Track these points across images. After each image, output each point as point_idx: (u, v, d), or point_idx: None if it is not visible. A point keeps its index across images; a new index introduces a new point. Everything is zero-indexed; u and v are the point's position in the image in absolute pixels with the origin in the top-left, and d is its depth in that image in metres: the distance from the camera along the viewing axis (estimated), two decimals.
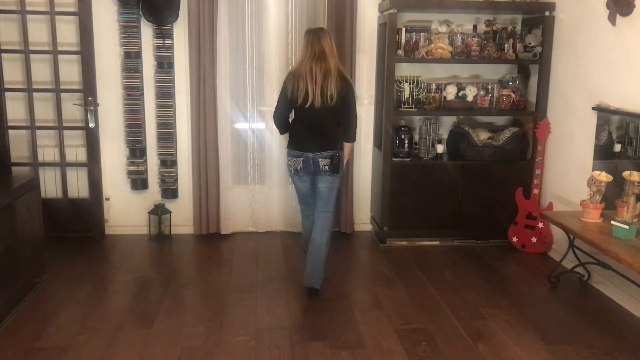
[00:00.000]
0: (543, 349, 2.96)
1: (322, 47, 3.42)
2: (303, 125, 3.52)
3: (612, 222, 3.27)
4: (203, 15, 4.30)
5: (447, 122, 4.75)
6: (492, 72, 4.69)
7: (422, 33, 4.44)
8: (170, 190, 4.64)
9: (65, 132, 4.40)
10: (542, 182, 4.41)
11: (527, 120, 4.58)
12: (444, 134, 4.73)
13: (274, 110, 3.62)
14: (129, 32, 4.34)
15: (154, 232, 4.61)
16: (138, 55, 4.40)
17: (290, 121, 3.64)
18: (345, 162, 3.67)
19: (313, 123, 3.48)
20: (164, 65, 4.43)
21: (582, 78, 3.94)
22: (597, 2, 3.70)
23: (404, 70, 4.50)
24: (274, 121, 3.66)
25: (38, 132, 4.36)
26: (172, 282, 3.78)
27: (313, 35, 3.48)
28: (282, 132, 3.72)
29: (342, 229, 4.79)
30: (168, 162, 4.59)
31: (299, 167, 3.52)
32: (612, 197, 3.47)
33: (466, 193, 4.50)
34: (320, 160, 3.48)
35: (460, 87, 4.60)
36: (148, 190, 4.67)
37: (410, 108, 4.45)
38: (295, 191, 3.78)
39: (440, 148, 4.59)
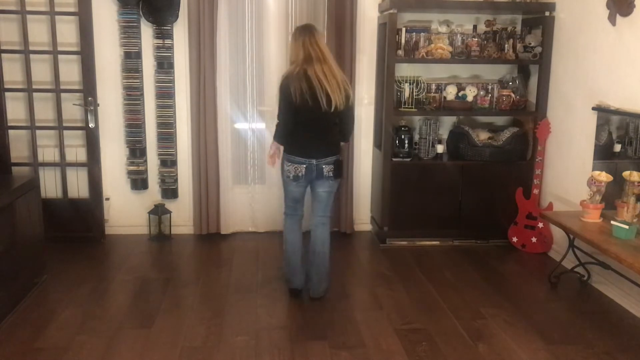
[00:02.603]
0: (543, 349, 2.96)
1: (320, 48, 3.26)
2: (305, 130, 3.35)
3: (612, 222, 3.27)
4: (203, 15, 4.30)
5: (447, 122, 4.75)
6: (492, 72, 4.70)
7: (422, 33, 4.44)
8: (170, 190, 4.64)
9: (65, 132, 4.40)
10: (542, 182, 4.41)
11: (527, 120, 4.58)
12: (444, 134, 4.72)
13: (278, 123, 3.39)
14: (129, 32, 4.34)
15: (154, 232, 4.61)
16: (138, 55, 4.39)
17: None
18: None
19: (317, 128, 3.35)
20: (164, 65, 4.43)
21: (582, 78, 3.94)
22: (597, 2, 3.70)
23: (404, 70, 4.50)
24: (280, 133, 3.39)
25: (38, 132, 4.36)
26: (172, 282, 3.78)
27: (309, 36, 3.28)
28: (284, 143, 3.43)
29: (342, 229, 4.79)
30: (168, 162, 4.59)
31: (300, 174, 3.36)
32: (612, 197, 3.47)
33: (466, 193, 4.50)
34: (324, 166, 3.37)
35: (460, 87, 4.60)
36: (148, 190, 4.67)
37: (410, 108, 4.45)
38: (285, 196, 3.53)
39: (440, 148, 4.59)
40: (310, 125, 3.34)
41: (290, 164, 3.38)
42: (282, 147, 3.47)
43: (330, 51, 3.39)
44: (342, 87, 3.29)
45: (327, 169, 3.38)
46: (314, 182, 3.44)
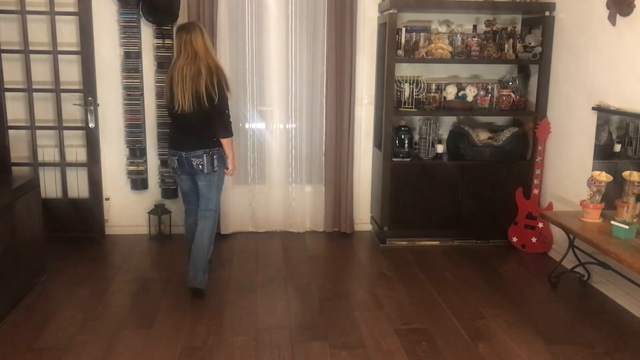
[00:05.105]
0: (543, 349, 2.96)
1: (194, 48, 3.33)
2: (176, 125, 3.51)
3: (612, 222, 3.27)
4: (203, 15, 4.30)
5: (447, 122, 4.75)
6: (492, 72, 4.70)
7: (422, 33, 4.44)
8: (170, 190, 4.64)
9: (65, 132, 4.40)
10: (542, 182, 4.41)
11: (527, 120, 4.58)
12: (444, 134, 4.72)
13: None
14: (129, 32, 4.34)
15: (154, 232, 4.61)
16: (138, 55, 4.40)
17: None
18: (230, 160, 3.55)
19: (184, 124, 3.44)
20: (164, 65, 4.42)
21: (582, 78, 3.94)
22: (597, 2, 3.70)
23: (404, 70, 4.50)
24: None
25: (38, 132, 4.36)
26: (172, 282, 3.78)
27: (185, 35, 3.36)
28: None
29: (342, 229, 4.78)
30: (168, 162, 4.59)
31: (175, 166, 3.54)
32: (612, 197, 3.47)
33: (466, 193, 4.50)
34: (193, 159, 3.44)
35: (460, 87, 4.60)
36: (148, 190, 4.67)
37: (410, 108, 4.45)
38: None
39: (440, 148, 4.59)
40: (177, 118, 3.46)
41: (169, 156, 3.61)
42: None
43: (208, 48, 3.38)
44: (203, 87, 3.29)
45: (196, 162, 3.45)
46: (195, 177, 3.56)
